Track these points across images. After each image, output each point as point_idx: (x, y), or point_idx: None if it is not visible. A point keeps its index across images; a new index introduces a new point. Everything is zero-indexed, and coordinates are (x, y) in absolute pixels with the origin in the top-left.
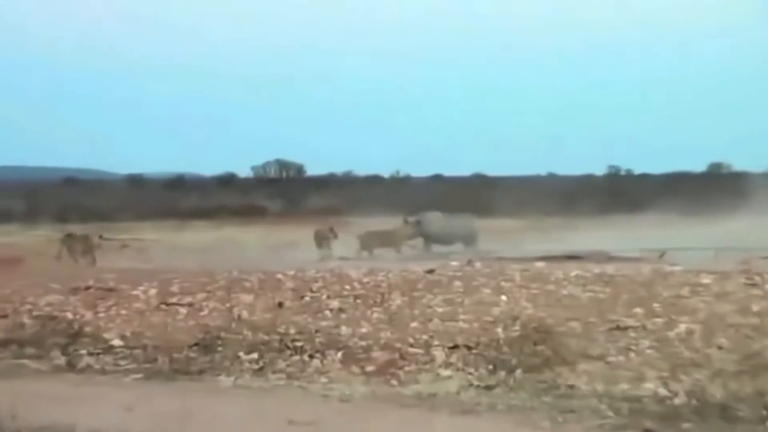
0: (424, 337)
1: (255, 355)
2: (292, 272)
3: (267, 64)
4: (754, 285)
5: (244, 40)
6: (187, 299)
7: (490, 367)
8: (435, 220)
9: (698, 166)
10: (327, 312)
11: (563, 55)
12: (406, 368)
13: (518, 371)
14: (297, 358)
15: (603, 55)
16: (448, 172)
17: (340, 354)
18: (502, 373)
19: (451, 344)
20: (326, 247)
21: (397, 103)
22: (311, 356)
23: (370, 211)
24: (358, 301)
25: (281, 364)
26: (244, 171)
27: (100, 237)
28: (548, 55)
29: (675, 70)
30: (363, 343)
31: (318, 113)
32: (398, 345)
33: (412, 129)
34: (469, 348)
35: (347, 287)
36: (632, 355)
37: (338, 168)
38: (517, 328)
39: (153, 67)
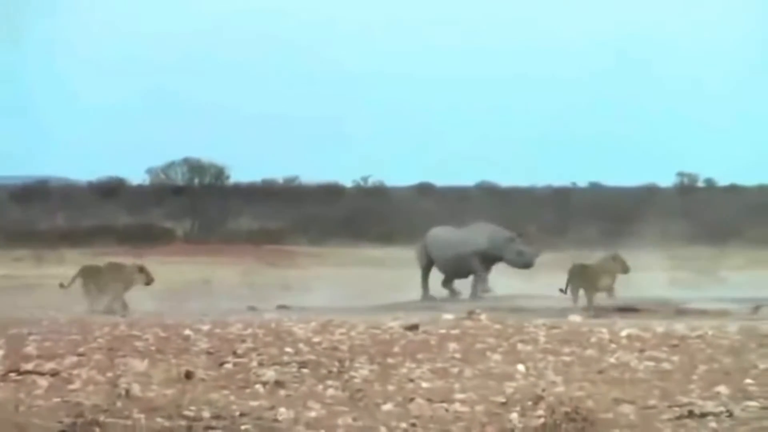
0: (403, 425)
1: None
2: (206, 326)
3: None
4: None
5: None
6: (50, 366)
7: None
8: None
9: None
10: (258, 387)
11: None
12: None
13: None
14: None
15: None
16: (440, 181)
17: None
18: None
19: None
20: (111, 294)
21: (366, 87)
22: None
23: (327, 235)
24: (305, 370)
25: None
26: (136, 175)
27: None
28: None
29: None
30: None
31: (248, 94)
32: None
33: (386, 120)
34: None
35: (289, 350)
36: None
37: (277, 172)
38: (540, 413)
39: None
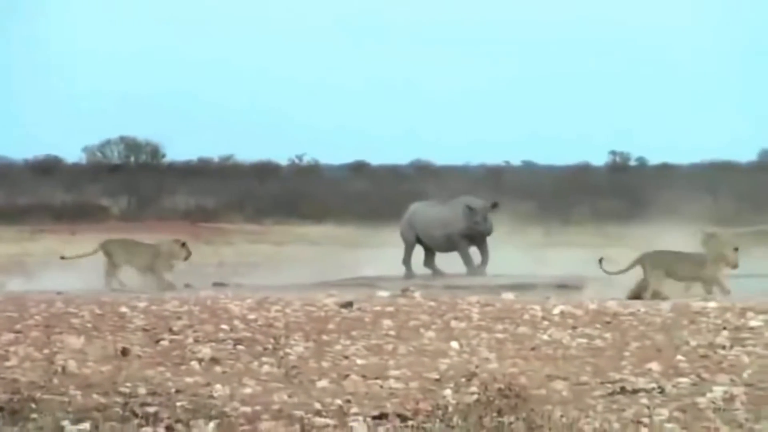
0: (338, 401)
1: (86, 426)
2: (142, 303)
3: None
4: None
5: None
6: None
7: None
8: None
9: (746, 153)
10: (194, 363)
11: None
12: None
13: None
14: (149, 430)
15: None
16: (375, 159)
17: (212, 425)
18: None
19: (376, 413)
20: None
21: (300, 66)
22: (170, 428)
23: (262, 213)
24: (241, 347)
25: None
26: (72, 153)
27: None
28: None
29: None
30: (246, 409)
31: (184, 66)
32: (299, 413)
33: (318, 98)
34: (403, 419)
35: (224, 327)
36: (644, 431)
37: (212, 152)
38: (474, 389)
39: None
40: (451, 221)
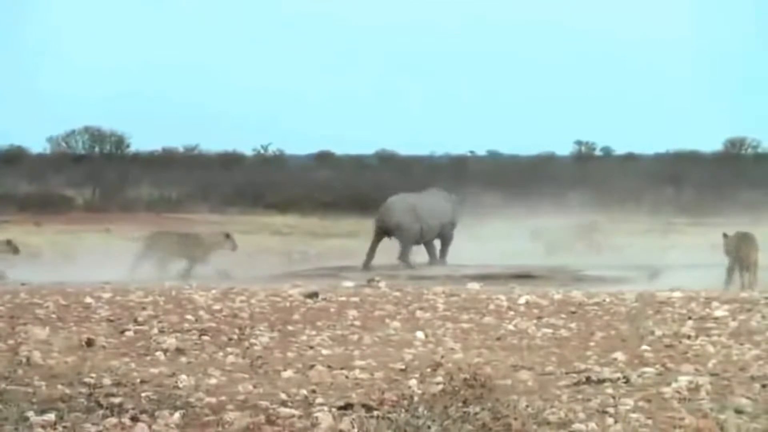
0: (303, 391)
1: (51, 416)
2: (107, 294)
3: None
4: None
5: None
6: None
7: None
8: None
9: (711, 143)
10: (159, 354)
11: None
12: None
13: None
14: (114, 420)
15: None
16: (339, 149)
17: (177, 416)
18: None
19: (342, 403)
20: None
21: (266, 56)
22: (135, 419)
23: (227, 203)
24: (206, 338)
25: (90, 430)
26: (37, 144)
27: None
28: None
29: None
30: (212, 399)
31: (147, 55)
32: (264, 403)
33: (283, 89)
34: (368, 409)
35: (189, 317)
36: (610, 420)
37: (177, 141)
38: (439, 379)
39: None
40: (452, 213)
